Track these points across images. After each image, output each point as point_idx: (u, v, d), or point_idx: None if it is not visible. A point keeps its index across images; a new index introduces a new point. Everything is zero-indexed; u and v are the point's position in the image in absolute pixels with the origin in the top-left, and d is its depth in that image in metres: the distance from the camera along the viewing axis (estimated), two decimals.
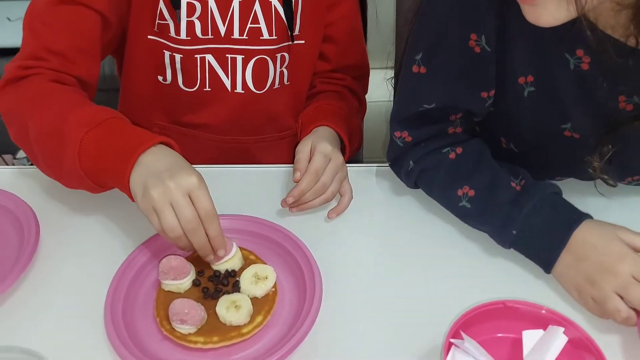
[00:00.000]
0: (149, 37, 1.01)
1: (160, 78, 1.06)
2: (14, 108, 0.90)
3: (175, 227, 0.76)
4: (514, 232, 0.82)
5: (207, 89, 1.05)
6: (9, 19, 1.97)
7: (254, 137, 1.14)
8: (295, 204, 0.90)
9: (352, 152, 1.09)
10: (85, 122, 0.82)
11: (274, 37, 1.03)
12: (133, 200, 0.79)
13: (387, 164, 0.97)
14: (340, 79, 1.15)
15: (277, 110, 1.12)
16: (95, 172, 0.81)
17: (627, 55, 0.71)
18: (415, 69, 0.85)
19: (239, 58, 1.03)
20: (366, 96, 1.21)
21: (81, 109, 0.85)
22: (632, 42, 0.71)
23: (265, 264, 0.84)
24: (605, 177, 0.84)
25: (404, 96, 0.89)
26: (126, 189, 0.79)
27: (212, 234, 0.78)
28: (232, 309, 0.77)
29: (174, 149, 0.82)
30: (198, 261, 0.84)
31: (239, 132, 1.12)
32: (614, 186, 0.88)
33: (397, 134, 0.91)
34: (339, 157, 0.94)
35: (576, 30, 0.67)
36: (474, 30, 0.80)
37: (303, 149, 0.94)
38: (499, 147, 0.93)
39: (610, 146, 0.80)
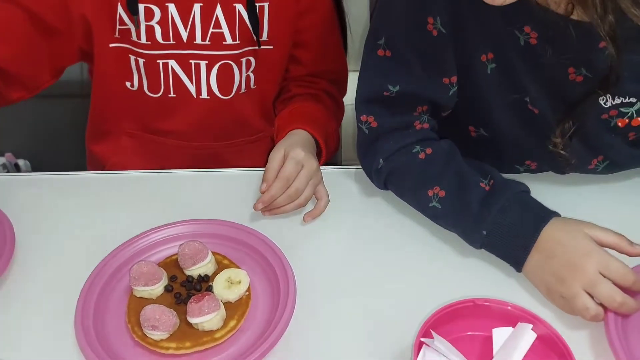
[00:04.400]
0: (111, 45, 1.02)
1: (128, 84, 1.06)
2: None
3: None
4: (484, 232, 0.83)
5: (172, 95, 1.06)
6: None
7: (224, 142, 1.14)
8: (267, 208, 0.90)
9: (329, 155, 1.09)
10: None
11: (237, 42, 1.03)
12: None
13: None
14: (316, 82, 1.15)
15: (245, 115, 1.12)
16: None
17: (568, 27, 0.76)
18: (380, 52, 0.88)
19: (203, 64, 1.03)
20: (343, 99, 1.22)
21: None
22: (573, 15, 0.76)
23: (239, 268, 0.84)
24: (567, 155, 0.86)
25: (369, 78, 0.91)
26: None
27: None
28: None
29: None
30: (170, 266, 0.84)
31: (208, 137, 1.12)
32: (584, 164, 0.91)
33: (363, 117, 0.91)
34: (312, 163, 0.94)
35: (522, 8, 0.72)
36: (430, 13, 0.83)
37: (274, 157, 0.94)
38: (468, 137, 0.95)
39: (570, 123, 0.83)
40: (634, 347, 0.73)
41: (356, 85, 1.11)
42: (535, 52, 0.83)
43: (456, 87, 0.90)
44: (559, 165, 0.94)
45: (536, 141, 0.91)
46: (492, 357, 0.71)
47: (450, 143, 0.92)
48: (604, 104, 0.84)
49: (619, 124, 0.86)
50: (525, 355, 0.70)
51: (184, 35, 1.01)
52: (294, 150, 0.93)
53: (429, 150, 0.90)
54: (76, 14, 0.99)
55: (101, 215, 0.94)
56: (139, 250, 0.86)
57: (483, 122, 0.94)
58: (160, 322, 0.74)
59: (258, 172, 1.00)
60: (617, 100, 0.84)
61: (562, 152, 0.86)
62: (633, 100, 0.84)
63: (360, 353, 0.75)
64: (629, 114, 0.86)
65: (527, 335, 0.71)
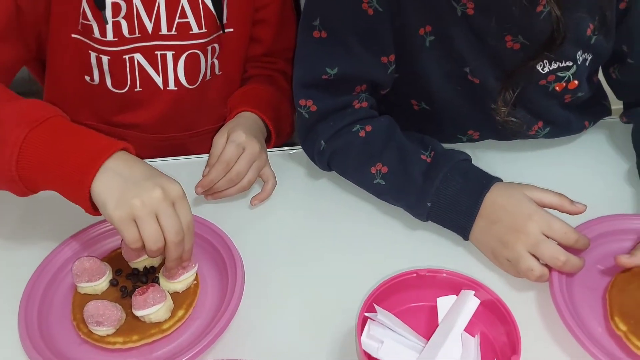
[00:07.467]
0: (72, 35, 0.97)
1: (87, 78, 1.02)
2: None
3: (159, 239, 0.71)
4: (429, 204, 0.83)
5: (138, 89, 1.03)
6: None
7: (189, 132, 1.12)
8: (208, 192, 0.89)
9: (282, 137, 1.08)
10: (24, 121, 0.74)
11: (204, 31, 1.01)
12: (90, 210, 0.74)
13: None
14: (272, 63, 1.13)
15: (210, 101, 1.10)
16: (34, 178, 0.74)
17: None
18: (316, 34, 0.86)
19: (169, 54, 1.01)
20: None
21: (14, 103, 0.78)
22: None
23: None
24: (514, 119, 0.87)
25: (307, 61, 0.90)
26: (84, 198, 0.72)
27: (188, 246, 0.75)
28: None
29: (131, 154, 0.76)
30: (115, 260, 0.83)
31: (173, 128, 1.10)
32: (527, 130, 0.92)
33: (302, 102, 0.90)
34: (254, 145, 0.92)
35: None
36: None
37: (217, 142, 0.92)
38: (411, 111, 0.95)
39: (511, 91, 0.84)
40: (578, 306, 0.74)
41: None
42: (472, 22, 0.83)
43: (394, 66, 0.89)
44: (502, 133, 0.94)
45: (478, 111, 0.92)
46: (438, 326, 0.71)
47: (390, 119, 0.92)
48: (541, 69, 0.85)
49: (557, 88, 0.87)
50: (470, 321, 0.70)
51: (149, 26, 0.98)
52: (235, 132, 0.92)
53: (368, 128, 0.89)
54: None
55: (44, 209, 0.92)
56: (82, 245, 0.85)
57: (424, 95, 0.94)
58: (104, 317, 0.73)
59: (204, 158, 0.99)
60: (554, 65, 0.85)
61: (513, 119, 0.87)
62: (569, 64, 0.85)
63: (308, 334, 0.75)
64: (566, 77, 0.86)
65: (470, 302, 0.71)
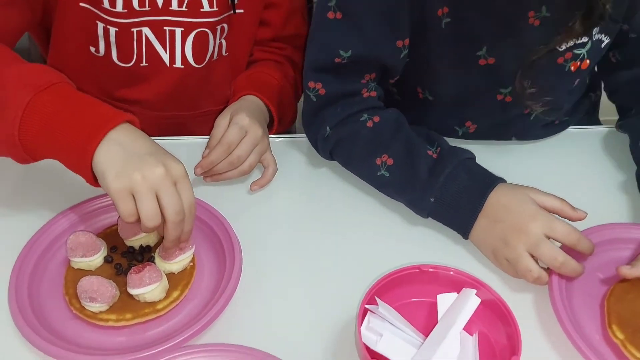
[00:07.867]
0: (81, 4, 0.95)
1: (92, 49, 1.00)
2: None
3: (156, 216, 0.69)
4: (432, 199, 0.82)
5: (144, 64, 1.01)
6: None
7: (192, 112, 1.10)
8: (208, 174, 0.88)
9: (285, 124, 1.06)
10: (29, 84, 0.72)
11: (215, 9, 0.99)
12: (90, 181, 0.72)
13: None
14: (280, 48, 1.12)
15: (215, 82, 1.08)
16: (36, 144, 0.72)
17: None
18: (331, 15, 0.85)
19: (178, 31, 0.99)
20: None
21: (19, 65, 0.76)
22: None
23: None
24: (531, 102, 0.89)
25: (320, 43, 0.89)
26: (86, 167, 0.70)
27: (187, 228, 0.73)
28: None
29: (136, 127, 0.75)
30: (110, 237, 0.81)
31: (175, 107, 1.08)
32: (530, 115, 0.95)
33: (311, 84, 0.89)
34: (257, 129, 0.91)
35: None
36: None
37: (219, 123, 0.91)
38: (415, 99, 0.95)
39: (528, 82, 0.85)
40: (577, 312, 0.74)
41: None
42: None
43: (407, 51, 0.88)
44: (497, 127, 0.95)
45: (482, 98, 0.92)
46: (437, 322, 0.70)
47: (398, 112, 0.91)
48: (559, 47, 0.85)
49: (572, 67, 0.87)
50: (470, 320, 0.70)
51: (160, 0, 0.95)
52: (238, 115, 0.91)
53: (376, 119, 0.89)
54: None
55: (36, 182, 0.90)
56: (78, 218, 0.83)
57: (430, 82, 0.93)
58: (98, 293, 0.72)
59: (205, 140, 0.97)
60: (571, 43, 0.85)
61: (527, 103, 0.89)
62: (585, 40, 0.85)
63: (306, 322, 0.74)
64: (581, 55, 0.86)
65: (471, 300, 0.70)
